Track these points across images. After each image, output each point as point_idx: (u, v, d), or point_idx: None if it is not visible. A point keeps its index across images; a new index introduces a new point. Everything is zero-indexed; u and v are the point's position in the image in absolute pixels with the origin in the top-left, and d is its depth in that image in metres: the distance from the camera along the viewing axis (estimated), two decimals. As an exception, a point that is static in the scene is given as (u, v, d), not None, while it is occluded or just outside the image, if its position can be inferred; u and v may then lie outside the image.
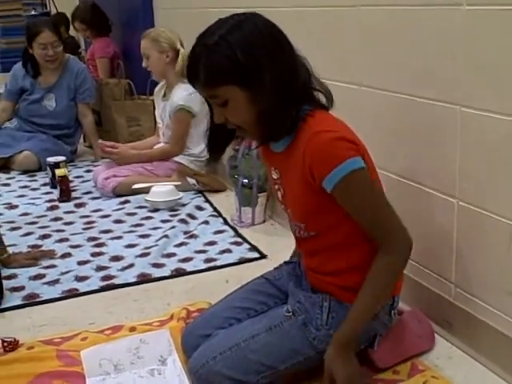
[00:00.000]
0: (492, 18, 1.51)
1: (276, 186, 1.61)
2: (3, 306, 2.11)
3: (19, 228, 2.86)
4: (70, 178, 3.45)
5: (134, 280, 2.29)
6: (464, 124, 1.65)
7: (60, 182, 3.22)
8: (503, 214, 1.57)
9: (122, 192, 3.25)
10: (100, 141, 3.57)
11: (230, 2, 2.77)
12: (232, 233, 2.72)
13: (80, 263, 2.44)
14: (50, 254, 2.51)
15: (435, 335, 1.81)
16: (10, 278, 2.30)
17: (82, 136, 4.33)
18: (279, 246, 2.45)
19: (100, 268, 2.39)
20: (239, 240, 2.63)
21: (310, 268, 1.64)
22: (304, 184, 1.46)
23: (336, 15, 2.12)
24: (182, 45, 3.30)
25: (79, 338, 1.88)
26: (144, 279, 2.30)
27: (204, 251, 2.53)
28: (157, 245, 2.58)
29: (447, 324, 1.81)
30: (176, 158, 3.34)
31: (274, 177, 1.60)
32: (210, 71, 1.39)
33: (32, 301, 2.16)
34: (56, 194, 3.27)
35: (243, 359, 1.51)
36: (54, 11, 6.22)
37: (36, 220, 2.97)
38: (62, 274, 2.35)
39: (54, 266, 2.42)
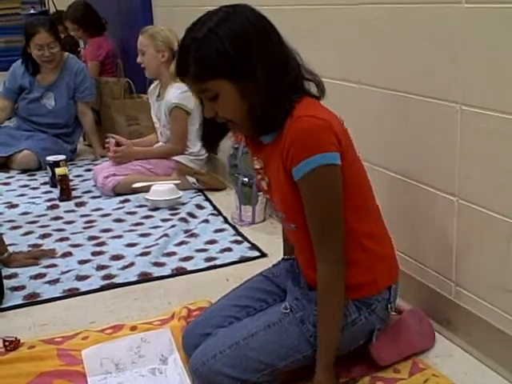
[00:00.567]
0: (491, 16, 1.51)
1: (259, 176, 1.60)
2: (4, 306, 2.12)
3: (20, 227, 2.86)
4: (70, 176, 3.45)
5: (135, 279, 2.29)
6: (464, 122, 1.65)
7: (60, 181, 3.22)
8: (503, 212, 1.57)
9: (122, 191, 3.25)
10: (110, 136, 3.53)
11: (228, 1, 2.75)
12: (232, 231, 2.72)
13: (80, 262, 2.44)
14: (51, 253, 2.52)
15: (435, 333, 1.81)
16: (10, 277, 2.31)
17: (81, 135, 4.33)
18: (279, 244, 2.42)
19: (100, 267, 2.39)
20: (239, 239, 2.63)
21: (302, 262, 1.64)
22: (284, 170, 1.45)
23: (336, 13, 2.12)
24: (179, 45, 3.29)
25: (80, 337, 1.89)
26: (144, 278, 2.30)
27: (204, 250, 2.54)
28: (157, 244, 2.58)
29: (447, 322, 1.82)
30: (175, 157, 3.34)
31: (257, 166, 1.59)
32: (199, 65, 1.38)
33: (33, 300, 2.16)
34: (56, 193, 3.27)
35: (243, 357, 1.52)
36: (52, 10, 6.23)
37: (36, 219, 2.97)
38: (63, 273, 2.35)
39: (54, 266, 2.42)
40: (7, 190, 3.48)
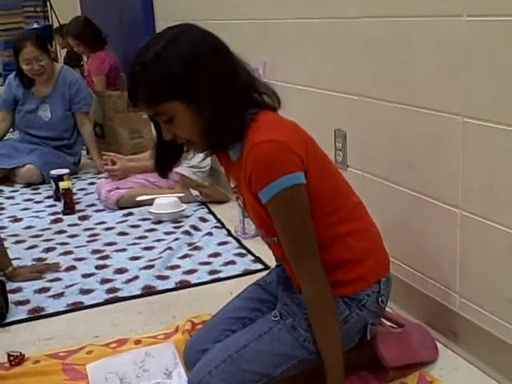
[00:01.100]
0: (492, 29, 1.52)
1: (236, 195, 1.62)
2: (9, 320, 2.12)
3: (24, 241, 2.87)
4: (74, 190, 3.46)
5: (139, 292, 2.30)
6: (466, 134, 1.65)
7: (64, 195, 3.23)
8: (506, 224, 1.57)
9: (126, 204, 3.26)
10: (105, 154, 3.55)
11: (230, 14, 2.79)
12: (236, 244, 2.73)
13: (84, 276, 2.45)
14: (55, 267, 2.52)
15: (440, 345, 1.81)
16: (15, 291, 2.31)
17: (83, 147, 4.34)
18: (283, 256, 2.45)
19: (104, 281, 2.40)
20: (243, 251, 2.64)
21: (289, 271, 1.63)
22: (251, 193, 1.47)
23: (338, 27, 2.13)
24: None
25: (85, 351, 1.89)
26: (148, 292, 2.30)
27: (208, 263, 2.54)
28: (161, 257, 2.58)
29: (452, 334, 1.81)
30: (178, 170, 3.34)
31: (232, 185, 1.61)
32: (149, 90, 1.39)
33: (37, 314, 2.16)
34: (60, 206, 3.28)
35: (237, 370, 1.52)
36: (56, 24, 6.27)
37: (40, 233, 2.98)
38: (67, 287, 2.36)
39: (58, 279, 2.42)
40: (11, 204, 3.50)
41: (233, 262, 2.53)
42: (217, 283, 2.36)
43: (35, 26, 6.30)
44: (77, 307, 2.21)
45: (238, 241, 2.76)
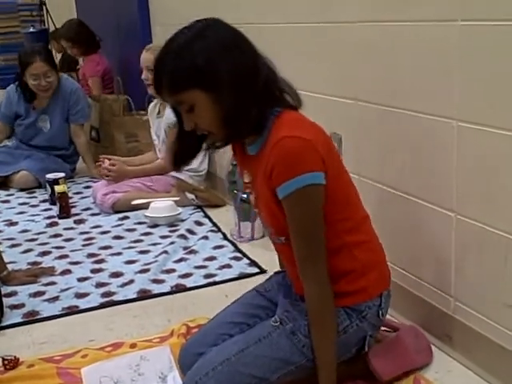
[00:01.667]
0: (486, 33, 1.53)
1: (248, 190, 1.63)
2: (3, 324, 2.11)
3: (19, 245, 2.86)
4: (70, 194, 3.46)
5: (134, 296, 2.29)
6: (460, 138, 1.66)
7: (59, 199, 3.23)
8: (500, 228, 1.58)
9: (121, 208, 3.25)
10: (102, 157, 3.52)
11: (225, 18, 2.76)
12: (231, 248, 2.73)
13: (80, 280, 2.44)
14: (50, 271, 2.52)
15: (435, 349, 1.81)
16: (10, 295, 2.30)
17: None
18: (278, 260, 2.45)
19: (100, 284, 2.39)
20: (239, 255, 2.64)
21: (291, 274, 1.64)
22: (268, 188, 1.47)
23: (333, 31, 2.14)
24: None
25: (80, 355, 1.89)
26: (144, 295, 2.30)
27: (204, 267, 2.54)
28: (156, 261, 2.58)
29: (447, 338, 1.82)
30: (175, 174, 3.35)
31: (246, 180, 1.62)
32: (172, 78, 1.43)
33: (32, 318, 2.16)
34: (55, 210, 3.28)
35: (235, 373, 1.52)
36: (52, 28, 6.26)
37: (36, 237, 2.97)
38: (62, 290, 2.35)
39: (53, 283, 2.42)
40: (6, 208, 3.49)
41: (228, 266, 2.53)
42: (212, 287, 2.36)
43: (31, 29, 6.29)
44: (72, 311, 2.20)
45: (233, 244, 2.76)
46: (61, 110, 3.94)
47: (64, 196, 3.24)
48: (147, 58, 3.33)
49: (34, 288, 2.37)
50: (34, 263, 2.64)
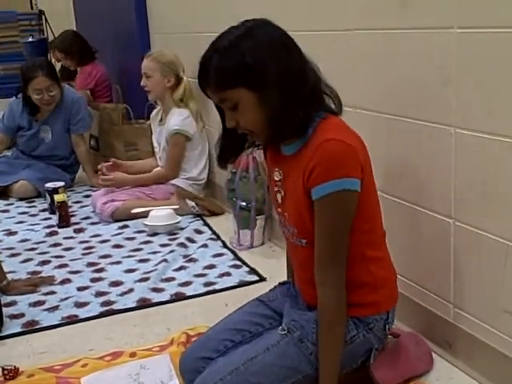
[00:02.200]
0: (483, 40, 1.53)
1: (276, 188, 1.63)
2: (3, 334, 2.11)
3: (18, 254, 2.86)
4: (69, 203, 3.46)
5: (134, 305, 2.29)
6: (458, 145, 1.66)
7: (59, 208, 3.23)
8: (499, 234, 1.58)
9: (121, 217, 3.25)
10: (101, 166, 3.51)
11: (224, 27, 2.77)
12: (231, 256, 2.72)
13: (79, 289, 2.44)
14: (50, 281, 2.51)
15: (435, 356, 1.81)
16: (9, 305, 2.30)
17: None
18: (278, 268, 2.45)
19: (99, 293, 2.39)
20: (238, 263, 2.64)
21: (303, 280, 1.64)
22: (303, 187, 1.48)
23: (330, 39, 2.15)
24: (183, 72, 3.34)
25: (79, 364, 1.88)
26: (144, 304, 2.30)
27: (203, 275, 2.53)
28: (156, 269, 2.58)
29: (447, 344, 1.81)
30: (174, 182, 3.36)
31: (276, 178, 1.62)
32: (219, 74, 1.43)
33: (32, 328, 2.15)
34: (55, 219, 3.27)
35: (243, 382, 1.51)
36: (51, 37, 6.28)
37: (35, 246, 2.97)
38: (62, 300, 2.35)
39: (53, 293, 2.41)
40: (6, 217, 3.48)
41: (228, 274, 2.53)
42: (212, 295, 2.36)
43: (30, 39, 6.30)
44: (72, 320, 2.20)
45: (233, 252, 2.76)
46: (62, 120, 3.94)
47: (63, 205, 3.24)
48: (144, 64, 3.36)
49: (33, 297, 2.37)
50: (34, 272, 2.63)
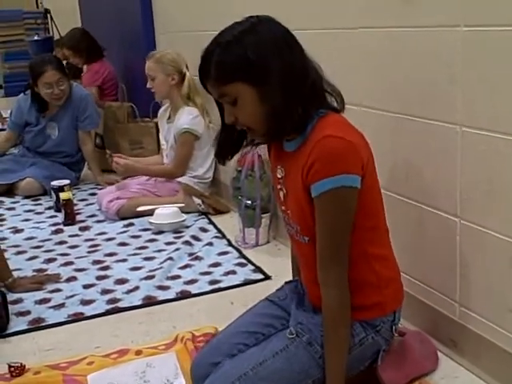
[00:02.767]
0: (489, 39, 1.53)
1: (279, 186, 1.62)
2: (9, 331, 2.11)
3: (24, 252, 2.87)
4: (75, 201, 3.46)
5: (139, 303, 2.30)
6: (464, 143, 1.66)
7: (64, 206, 3.23)
8: (505, 233, 1.58)
9: (126, 214, 3.26)
10: (109, 152, 3.53)
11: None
12: (236, 254, 2.73)
13: (85, 287, 2.45)
14: (55, 278, 2.52)
15: (440, 354, 1.81)
16: (15, 302, 2.31)
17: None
18: (283, 266, 2.44)
19: (105, 291, 2.40)
20: (243, 261, 2.64)
21: (309, 280, 1.63)
22: (302, 184, 1.47)
23: (335, 37, 2.15)
24: (187, 68, 3.34)
25: (85, 362, 1.89)
26: (149, 302, 2.30)
27: (209, 273, 2.54)
28: (161, 267, 2.58)
29: (452, 343, 1.81)
30: (180, 179, 3.36)
31: (279, 176, 1.61)
32: (220, 68, 1.42)
33: (38, 325, 2.16)
34: (60, 217, 3.28)
35: None
36: (56, 36, 6.29)
37: (41, 244, 2.98)
38: (68, 297, 2.36)
39: (59, 290, 2.42)
40: (12, 215, 3.49)
41: (233, 272, 2.53)
42: (217, 293, 2.36)
43: (36, 37, 6.32)
44: (77, 318, 2.21)
45: (238, 251, 2.76)
46: (70, 117, 3.95)
47: (69, 203, 3.25)
48: (147, 66, 3.37)
49: (39, 295, 2.38)
50: (40, 270, 2.64)
